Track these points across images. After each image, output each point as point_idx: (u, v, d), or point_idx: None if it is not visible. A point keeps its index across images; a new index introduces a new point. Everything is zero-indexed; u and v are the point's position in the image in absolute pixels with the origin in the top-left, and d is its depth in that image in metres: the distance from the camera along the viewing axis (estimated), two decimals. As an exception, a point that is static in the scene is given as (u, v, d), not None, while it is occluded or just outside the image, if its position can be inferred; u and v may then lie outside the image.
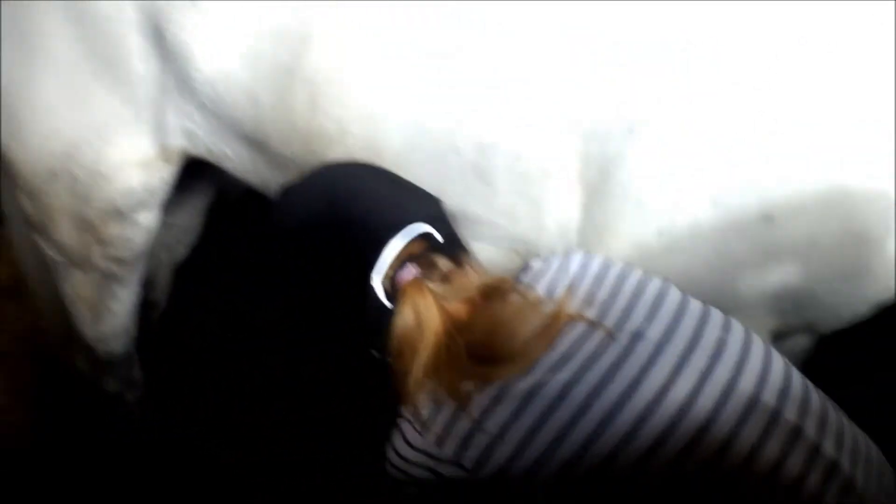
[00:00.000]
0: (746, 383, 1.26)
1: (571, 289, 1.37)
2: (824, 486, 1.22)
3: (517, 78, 1.49)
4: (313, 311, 1.58)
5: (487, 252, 1.69)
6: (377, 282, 1.37)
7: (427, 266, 1.39)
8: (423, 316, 1.35)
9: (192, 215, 2.38)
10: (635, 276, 1.40)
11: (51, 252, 1.92)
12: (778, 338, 1.62)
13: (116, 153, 1.75)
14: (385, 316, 1.37)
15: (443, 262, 1.41)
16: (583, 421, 1.24)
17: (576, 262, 1.43)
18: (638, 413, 1.23)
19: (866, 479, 1.26)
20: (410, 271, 1.37)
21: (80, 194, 1.78)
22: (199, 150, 1.79)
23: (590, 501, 1.29)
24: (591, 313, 1.33)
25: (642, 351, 1.28)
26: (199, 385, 2.49)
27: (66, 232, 1.85)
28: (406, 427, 1.36)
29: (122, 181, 1.77)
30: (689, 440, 1.21)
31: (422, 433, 1.33)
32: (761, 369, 1.29)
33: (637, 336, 1.30)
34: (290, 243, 1.50)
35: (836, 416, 1.31)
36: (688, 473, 1.21)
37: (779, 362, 1.32)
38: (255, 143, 1.68)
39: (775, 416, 1.25)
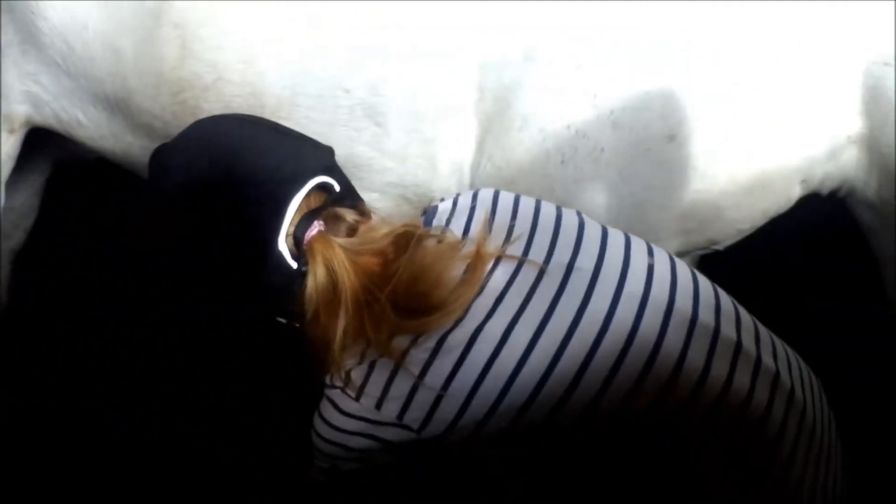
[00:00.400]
0: (683, 304, 1.23)
1: (488, 226, 1.31)
2: (770, 399, 1.21)
3: (409, 10, 1.41)
4: (202, 283, 1.45)
5: (377, 202, 1.61)
6: (282, 243, 1.26)
7: (331, 219, 1.29)
8: (337, 273, 1.25)
9: (28, 195, 2.16)
10: (550, 208, 1.34)
11: None
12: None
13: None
14: (293, 279, 1.26)
15: (347, 214, 1.31)
16: (529, 362, 1.18)
17: (486, 197, 1.36)
18: (586, 347, 1.18)
19: (801, 387, 1.26)
20: (314, 227, 1.27)
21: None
22: (46, 118, 1.61)
23: (544, 449, 1.25)
24: (513, 250, 1.27)
25: (578, 282, 1.23)
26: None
27: None
28: (336, 395, 1.27)
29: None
30: (641, 369, 1.17)
31: (357, 398, 1.24)
32: (692, 289, 1.26)
33: (569, 269, 1.24)
34: (170, 210, 1.37)
35: (763, 328, 1.30)
36: (641, 406, 1.17)
37: (705, 281, 1.30)
38: (116, 101, 1.53)
39: (715, 334, 1.22)
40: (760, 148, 1.49)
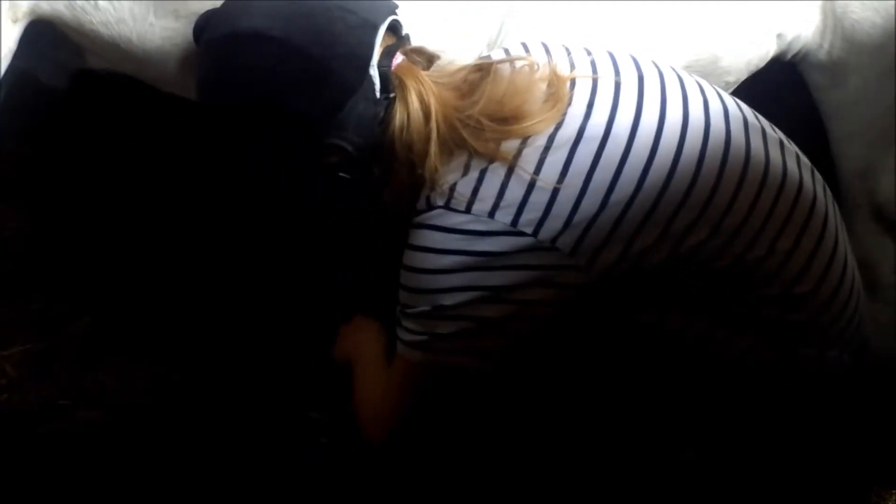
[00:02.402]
0: (732, 106, 1.41)
1: (551, 55, 1.40)
2: (814, 186, 1.39)
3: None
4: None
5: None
6: (373, 68, 1.31)
7: (409, 54, 1.37)
8: (427, 97, 1.32)
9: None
10: (593, 44, 1.45)
11: None
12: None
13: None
14: (380, 107, 1.32)
15: (424, 49, 1.38)
16: (632, 153, 1.30)
17: (534, 41, 1.46)
18: (674, 143, 1.31)
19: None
20: (398, 57, 1.33)
21: None
22: (54, 5, 1.51)
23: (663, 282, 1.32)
24: (582, 72, 1.38)
25: (653, 88, 1.37)
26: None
27: None
28: (437, 216, 1.31)
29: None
30: (720, 161, 1.33)
31: (467, 209, 1.28)
32: (727, 97, 1.43)
33: (640, 78, 1.38)
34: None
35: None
36: (723, 202, 1.31)
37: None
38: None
39: (763, 130, 1.40)
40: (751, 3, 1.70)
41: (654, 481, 1.52)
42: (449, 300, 1.32)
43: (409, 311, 1.37)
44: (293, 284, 2.34)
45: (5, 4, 1.47)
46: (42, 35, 1.59)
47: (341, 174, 1.38)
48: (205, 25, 1.39)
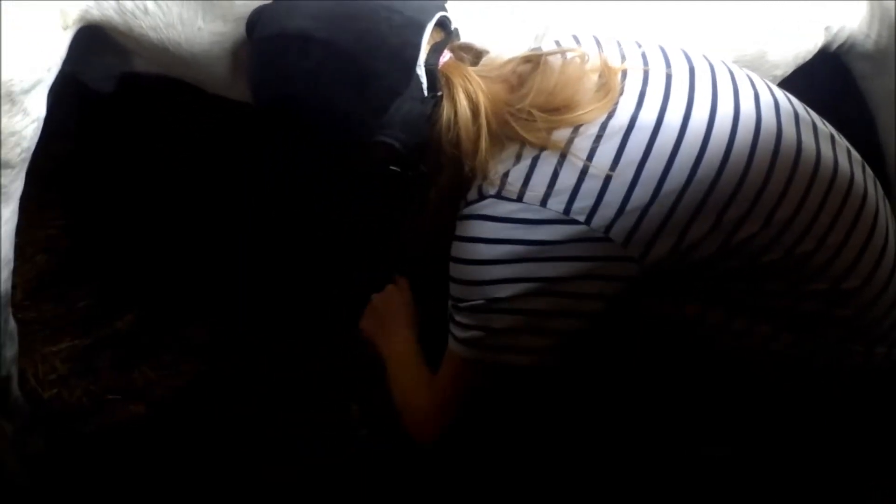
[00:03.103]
0: (783, 100, 1.40)
1: (602, 48, 1.40)
2: (865, 181, 1.39)
3: None
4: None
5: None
6: (420, 67, 1.32)
7: (457, 50, 1.38)
8: (475, 94, 1.33)
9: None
10: (628, 37, 1.45)
11: None
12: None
13: (13, 17, 1.43)
14: (427, 106, 1.33)
15: (472, 44, 1.38)
16: (684, 143, 1.29)
17: (586, 34, 1.45)
18: (725, 134, 1.31)
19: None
20: (445, 55, 1.34)
21: (-36, 75, 1.44)
22: (105, 11, 1.53)
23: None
24: (633, 63, 1.37)
25: (704, 80, 1.36)
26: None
27: (-64, 133, 1.48)
28: (488, 205, 1.31)
29: (18, 54, 1.46)
30: (771, 153, 1.32)
31: (519, 198, 1.28)
32: (777, 90, 1.43)
33: (692, 71, 1.38)
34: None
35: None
36: (775, 194, 1.31)
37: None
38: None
39: (814, 124, 1.40)
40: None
41: (679, 475, 1.53)
42: (502, 292, 1.31)
43: (462, 304, 1.36)
44: (318, 282, 2.36)
45: (56, 12, 1.48)
46: (89, 39, 1.59)
47: (392, 168, 1.39)
48: (256, 22, 1.41)
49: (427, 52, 1.33)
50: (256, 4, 1.45)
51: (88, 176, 2.49)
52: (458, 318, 1.38)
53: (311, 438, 2.03)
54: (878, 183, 1.46)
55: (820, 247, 1.33)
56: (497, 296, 1.32)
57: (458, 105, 1.31)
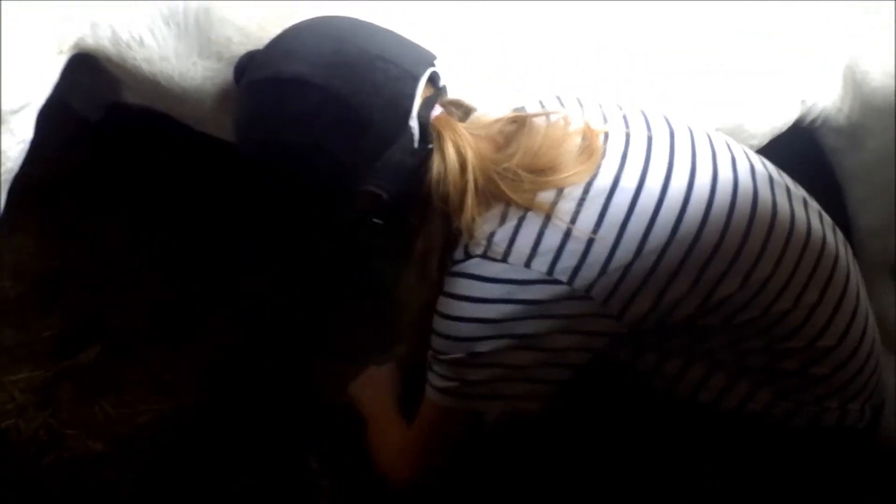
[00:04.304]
0: (758, 163, 1.45)
1: (582, 112, 1.44)
2: (836, 243, 1.46)
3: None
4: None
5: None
6: (413, 120, 1.34)
7: (447, 105, 1.41)
8: (464, 149, 1.35)
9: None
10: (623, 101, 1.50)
11: None
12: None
13: (8, 39, 1.44)
14: (418, 158, 1.35)
15: (462, 101, 1.42)
16: (665, 203, 1.33)
17: (568, 95, 1.49)
18: (705, 196, 1.35)
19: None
20: (437, 109, 1.36)
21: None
22: (100, 40, 1.53)
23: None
24: (615, 126, 1.41)
25: (683, 144, 1.40)
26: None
27: (-80, 147, 1.47)
28: (475, 265, 1.33)
29: (10, 75, 1.46)
30: (748, 216, 1.36)
31: (504, 258, 1.31)
32: (752, 154, 1.48)
33: (671, 134, 1.41)
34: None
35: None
36: (752, 252, 1.34)
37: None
38: (196, 14, 1.50)
39: (786, 186, 1.45)
40: (776, 70, 1.75)
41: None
42: (483, 347, 1.33)
43: (442, 357, 1.38)
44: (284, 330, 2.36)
45: (52, 37, 1.49)
46: (79, 66, 1.60)
47: (375, 220, 1.41)
48: (247, 65, 1.41)
49: (420, 104, 1.35)
50: (255, 42, 1.47)
51: (63, 203, 2.47)
52: (436, 368, 1.40)
53: (271, 494, 2.01)
54: (847, 245, 1.50)
55: (796, 305, 1.36)
56: (478, 350, 1.34)
57: (448, 159, 1.33)
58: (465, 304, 1.34)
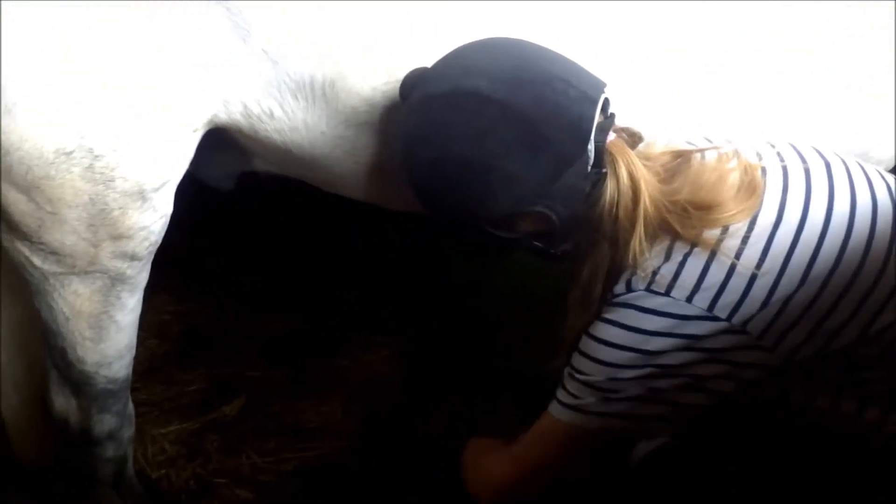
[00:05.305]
0: (883, 198, 1.39)
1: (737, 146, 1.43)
2: None
3: None
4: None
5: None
6: (591, 143, 1.33)
7: (619, 132, 1.41)
8: (637, 177, 1.34)
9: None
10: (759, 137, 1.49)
11: (40, 263, 1.59)
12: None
13: (149, 121, 1.51)
14: (591, 182, 1.35)
15: (633, 129, 1.42)
16: (828, 236, 1.30)
17: (716, 137, 1.48)
18: (865, 228, 1.32)
19: None
20: (611, 135, 1.37)
21: (101, 176, 1.51)
22: (232, 114, 1.59)
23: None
24: (770, 161, 1.39)
25: (840, 175, 1.38)
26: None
27: (72, 229, 1.54)
28: (638, 297, 1.33)
29: (151, 155, 1.53)
30: (883, 257, 1.32)
31: (667, 293, 1.30)
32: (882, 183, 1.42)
33: (827, 165, 1.39)
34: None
35: None
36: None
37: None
38: (323, 86, 1.54)
39: None
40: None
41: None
42: (626, 374, 1.33)
43: (581, 377, 1.37)
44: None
45: (188, 115, 1.55)
46: (211, 139, 1.66)
47: (535, 242, 1.41)
48: (415, 83, 1.41)
49: (595, 128, 1.34)
50: (380, 111, 1.50)
51: (200, 264, 2.58)
52: (569, 386, 1.40)
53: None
54: None
55: None
56: (619, 377, 1.34)
57: (622, 185, 1.33)
58: (621, 332, 1.34)
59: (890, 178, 1.42)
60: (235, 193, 1.92)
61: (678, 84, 1.65)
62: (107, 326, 1.67)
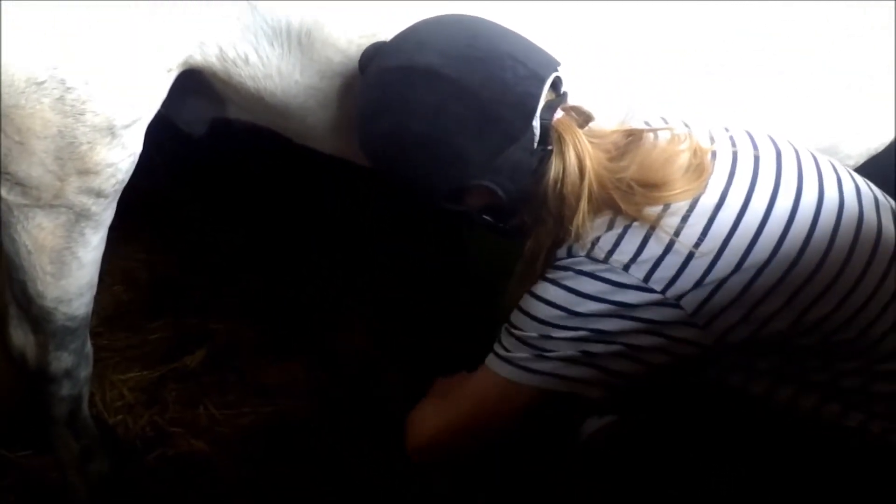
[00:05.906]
0: (863, 185, 1.43)
1: (691, 129, 1.44)
2: None
3: None
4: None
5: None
6: (536, 120, 1.36)
7: (568, 111, 1.41)
8: (583, 155, 1.36)
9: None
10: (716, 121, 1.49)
11: (5, 194, 1.58)
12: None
13: (122, 57, 1.50)
14: (537, 158, 1.37)
15: (582, 108, 1.42)
16: (769, 224, 1.32)
17: (671, 117, 1.50)
18: (809, 217, 1.34)
19: None
20: (559, 112, 1.37)
21: (72, 108, 1.51)
22: (207, 57, 1.58)
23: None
24: (722, 145, 1.40)
25: (790, 165, 1.39)
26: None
27: (39, 161, 1.53)
28: (578, 262, 1.35)
29: (123, 92, 1.53)
30: (851, 239, 1.34)
31: (605, 260, 1.33)
32: (850, 174, 1.45)
33: (778, 154, 1.40)
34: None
35: None
36: (852, 278, 1.33)
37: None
38: (299, 35, 1.53)
39: (889, 207, 1.44)
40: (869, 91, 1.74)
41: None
42: (558, 334, 1.35)
43: (516, 332, 1.39)
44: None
45: (162, 55, 1.55)
46: (186, 82, 1.65)
47: (485, 217, 1.44)
48: (374, 55, 1.45)
49: (542, 107, 1.37)
50: (355, 64, 1.51)
51: (173, 213, 2.57)
52: (505, 341, 1.42)
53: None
54: None
55: (894, 329, 1.34)
56: (551, 335, 1.36)
57: (568, 163, 1.36)
58: (556, 290, 1.36)
59: (844, 171, 1.42)
60: (214, 146, 1.92)
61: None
62: (69, 262, 1.66)
